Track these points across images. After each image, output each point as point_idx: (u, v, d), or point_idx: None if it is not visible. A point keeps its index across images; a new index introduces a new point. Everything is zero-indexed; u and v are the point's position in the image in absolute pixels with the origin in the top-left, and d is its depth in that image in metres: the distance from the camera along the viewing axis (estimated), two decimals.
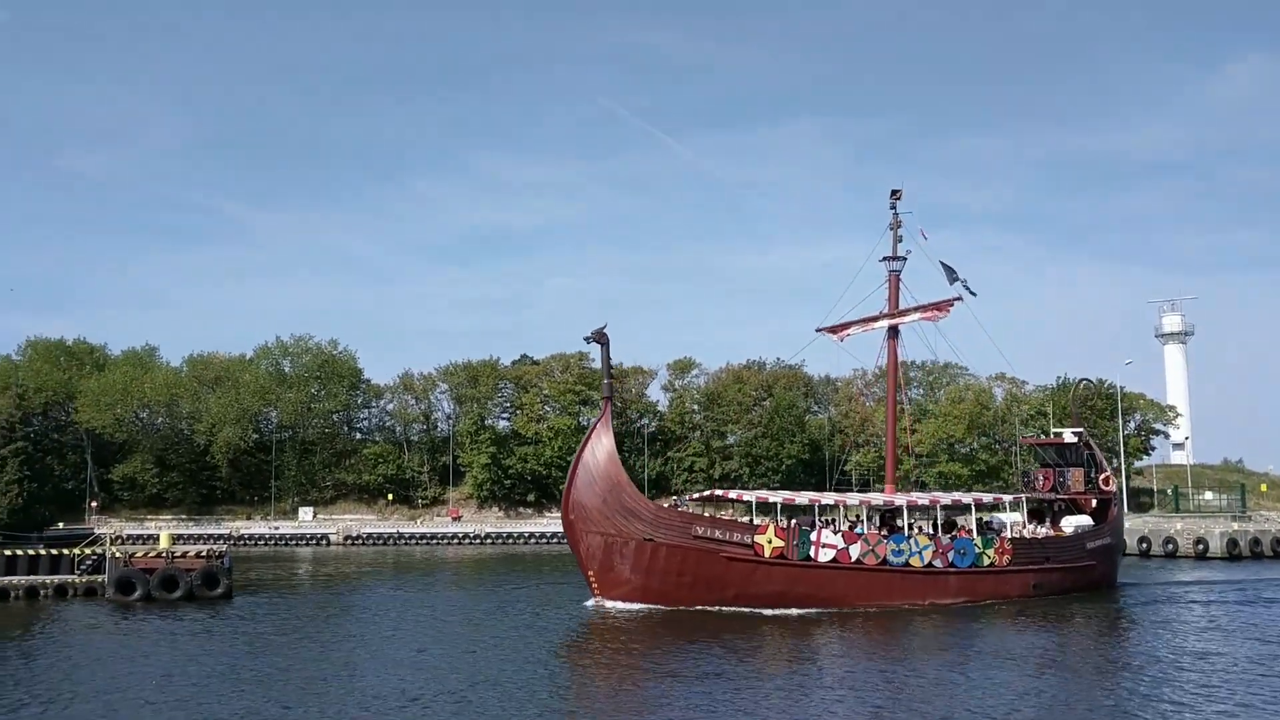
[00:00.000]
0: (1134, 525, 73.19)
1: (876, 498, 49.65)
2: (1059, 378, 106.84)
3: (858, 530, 45.13)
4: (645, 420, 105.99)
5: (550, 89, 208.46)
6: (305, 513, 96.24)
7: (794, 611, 41.18)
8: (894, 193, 51.95)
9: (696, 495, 50.60)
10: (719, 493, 50.04)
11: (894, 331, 51.89)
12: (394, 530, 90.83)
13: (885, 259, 51.83)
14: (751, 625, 38.39)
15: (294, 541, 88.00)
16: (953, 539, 45.66)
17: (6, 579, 46.24)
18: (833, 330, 50.96)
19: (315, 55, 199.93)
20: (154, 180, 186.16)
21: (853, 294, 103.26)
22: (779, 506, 45.19)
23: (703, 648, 32.76)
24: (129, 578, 45.28)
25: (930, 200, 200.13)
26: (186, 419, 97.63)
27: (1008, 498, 50.60)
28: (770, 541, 42.45)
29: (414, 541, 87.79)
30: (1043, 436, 66.62)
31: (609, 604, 42.10)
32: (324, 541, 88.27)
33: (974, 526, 46.97)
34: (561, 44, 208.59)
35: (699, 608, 41.37)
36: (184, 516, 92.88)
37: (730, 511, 53.33)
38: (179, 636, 36.59)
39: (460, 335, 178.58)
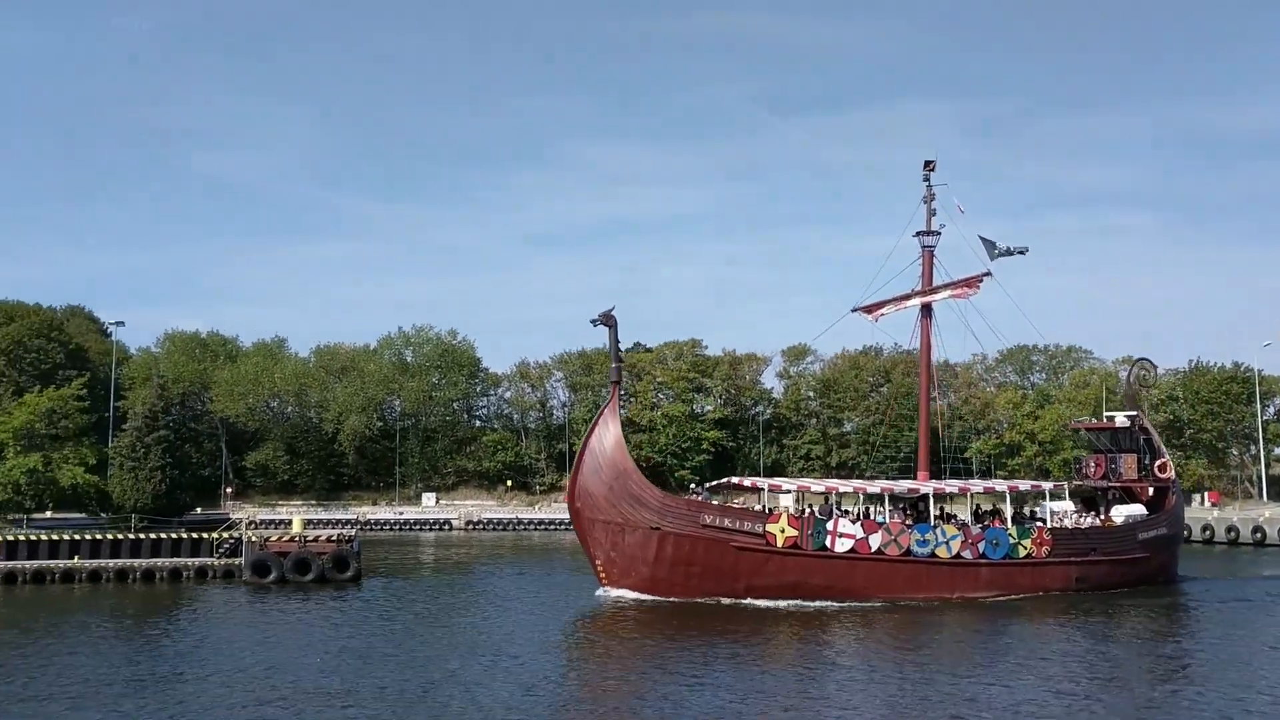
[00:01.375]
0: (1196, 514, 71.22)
1: (900, 485, 47.03)
2: (1192, 361, 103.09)
3: (878, 519, 42.95)
4: (760, 408, 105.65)
5: (655, 78, 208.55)
6: (428, 498, 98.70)
7: (810, 604, 39.42)
8: (927, 164, 49.19)
9: (713, 483, 48.86)
10: (735, 480, 48.24)
11: (927, 310, 49.16)
12: (513, 516, 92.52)
13: (919, 234, 49.20)
14: (760, 619, 36.87)
15: (418, 526, 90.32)
16: (984, 528, 43.18)
17: (152, 561, 48.69)
18: (867, 310, 48.49)
19: (429, 56, 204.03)
20: (281, 179, 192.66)
21: (909, 275, 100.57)
22: (840, 494, 43.74)
23: (703, 644, 31.48)
24: (264, 561, 47.22)
25: (1046, 179, 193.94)
26: (315, 408, 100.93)
27: (1048, 485, 47.78)
28: (783, 531, 40.64)
29: (532, 527, 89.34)
30: (1092, 421, 62.52)
31: (617, 594, 40.91)
32: (446, 527, 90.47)
33: (1009, 515, 44.59)
34: (663, 32, 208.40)
35: (709, 599, 39.95)
36: (313, 502, 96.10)
37: (753, 500, 51.02)
38: (313, 617, 38.13)
39: (574, 324, 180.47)
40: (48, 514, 65.53)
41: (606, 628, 36.22)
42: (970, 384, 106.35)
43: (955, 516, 46.71)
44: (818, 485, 46.11)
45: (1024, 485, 48.86)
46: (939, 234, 48.91)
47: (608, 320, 42.59)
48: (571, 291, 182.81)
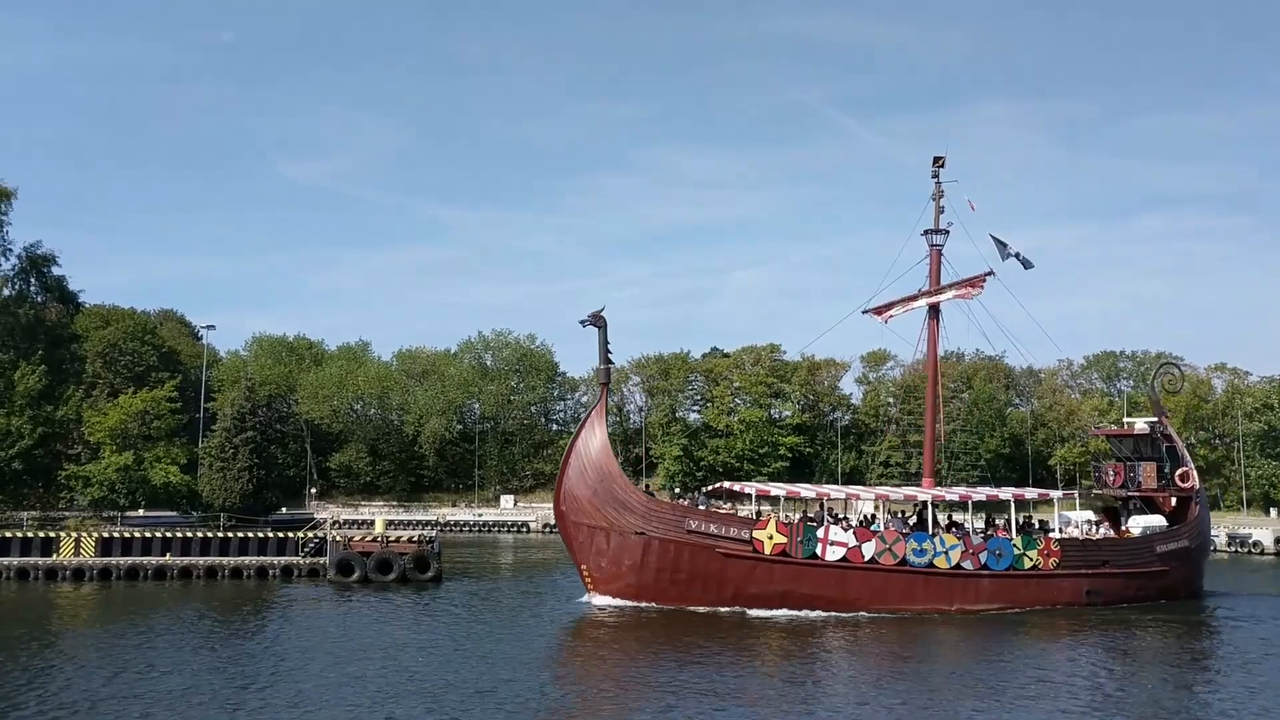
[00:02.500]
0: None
1: (895, 492, 45.49)
2: None
3: (873, 527, 41.38)
4: (839, 414, 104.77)
5: (730, 83, 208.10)
6: (506, 500, 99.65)
7: (800, 614, 38.28)
8: (936, 160, 47.78)
9: (709, 489, 47.60)
10: (728, 485, 46.43)
11: (934, 311, 47.65)
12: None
13: (926, 233, 47.76)
14: (744, 629, 35.75)
15: (496, 528, 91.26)
16: (986, 538, 41.47)
17: (240, 559, 49.87)
18: (877, 312, 47.09)
19: (507, 64, 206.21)
20: (364, 186, 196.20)
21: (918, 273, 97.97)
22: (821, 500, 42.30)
23: (678, 656, 30.45)
24: (348, 560, 48.10)
25: (1132, 183, 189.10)
26: (396, 410, 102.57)
27: (1056, 494, 45.39)
28: (771, 538, 39.32)
29: None
30: (1112, 427, 59.51)
31: (602, 601, 39.99)
32: (524, 529, 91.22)
33: (1014, 524, 42.55)
34: (740, 37, 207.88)
35: (695, 607, 38.83)
36: (394, 503, 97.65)
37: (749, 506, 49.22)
38: (396, 615, 38.82)
39: (650, 329, 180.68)
40: (140, 512, 67.55)
41: (586, 639, 35.19)
42: (1055, 390, 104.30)
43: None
44: (808, 490, 44.59)
45: (1030, 494, 46.59)
46: (947, 233, 47.50)
47: (597, 321, 41.62)
48: (648, 296, 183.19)
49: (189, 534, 51.33)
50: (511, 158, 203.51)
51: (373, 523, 56.84)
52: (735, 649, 32.09)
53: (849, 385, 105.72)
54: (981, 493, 45.37)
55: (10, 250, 64.26)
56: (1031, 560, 41.26)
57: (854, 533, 40.15)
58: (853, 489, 47.42)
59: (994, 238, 47.76)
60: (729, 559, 39.29)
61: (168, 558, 49.47)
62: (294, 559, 50.32)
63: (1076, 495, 46.61)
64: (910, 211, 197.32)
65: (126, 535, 50.94)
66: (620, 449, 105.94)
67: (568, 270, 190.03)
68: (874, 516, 44.63)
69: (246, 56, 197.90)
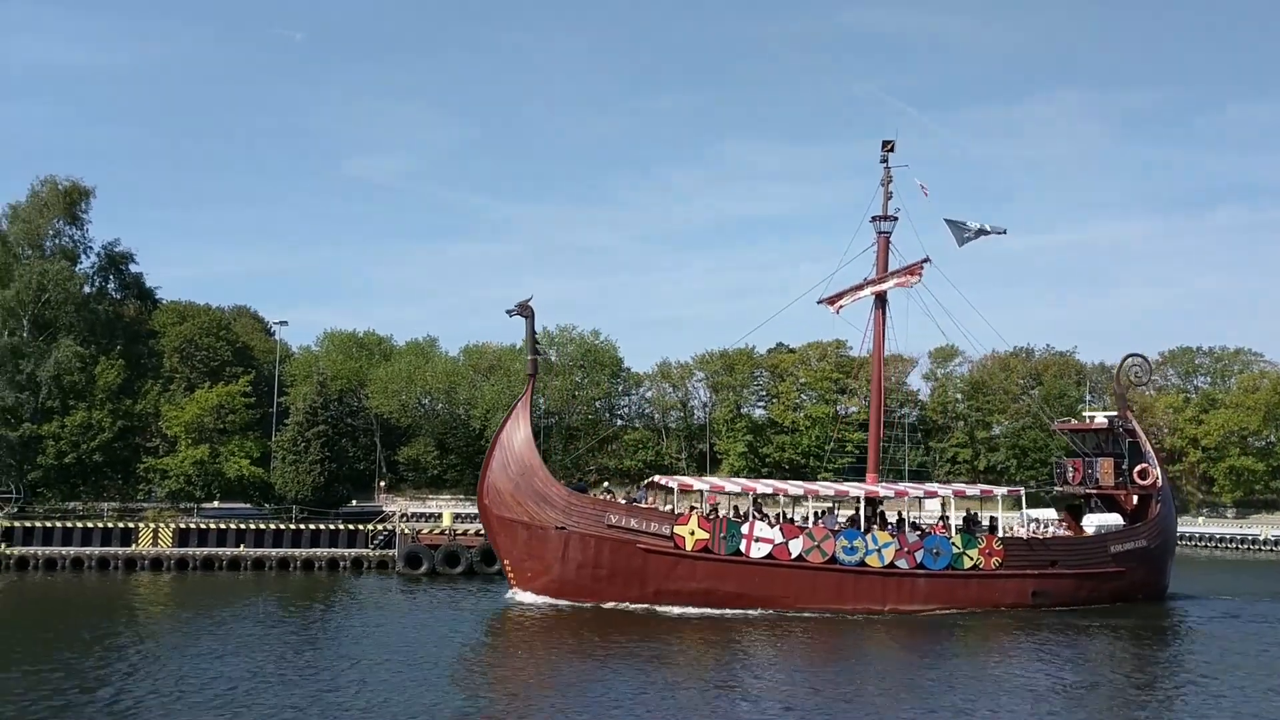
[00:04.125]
0: None
1: (826, 489, 44.24)
2: None
3: (797, 523, 40.54)
4: (906, 410, 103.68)
5: (790, 75, 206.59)
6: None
7: (723, 613, 37.46)
8: (885, 144, 46.51)
9: (646, 482, 46.73)
10: (658, 479, 45.40)
11: (881, 300, 46.53)
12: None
13: (875, 219, 46.66)
14: (662, 628, 34.96)
15: None
16: (922, 536, 40.24)
17: (311, 551, 50.89)
18: (830, 301, 46.07)
19: (570, 59, 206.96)
20: (429, 182, 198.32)
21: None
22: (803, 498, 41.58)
23: (583, 659, 29.92)
24: (416, 553, 48.83)
25: (1207, 173, 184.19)
26: (463, 405, 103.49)
27: (1000, 490, 43.95)
28: (693, 533, 38.51)
29: None
30: (1073, 421, 56.95)
31: (524, 597, 39.41)
32: None
33: (953, 522, 41.23)
34: (797, 29, 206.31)
35: (617, 604, 38.18)
36: (461, 496, 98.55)
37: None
38: (467, 608, 39.34)
39: (716, 324, 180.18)
40: (215, 503, 69.08)
41: (498, 640, 34.77)
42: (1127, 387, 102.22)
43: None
44: (732, 485, 43.62)
45: (970, 490, 45.20)
46: (896, 219, 46.50)
47: (524, 311, 41.14)
48: (712, 290, 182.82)
49: (262, 526, 52.49)
50: (572, 153, 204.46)
51: (440, 516, 57.52)
52: (646, 651, 31.14)
53: (916, 381, 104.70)
54: (919, 488, 44.27)
55: (90, 248, 66.12)
56: (972, 560, 39.87)
57: (780, 529, 39.18)
58: (779, 484, 45.98)
59: (949, 221, 46.87)
60: (650, 555, 38.54)
61: (242, 549, 50.64)
62: (364, 551, 51.23)
63: (1022, 492, 45.08)
64: (970, 203, 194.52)
65: (202, 526, 52.25)
66: (685, 445, 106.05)
67: (631, 265, 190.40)
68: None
69: (315, 55, 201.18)
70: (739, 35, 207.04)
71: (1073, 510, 46.42)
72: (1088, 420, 49.46)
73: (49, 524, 51.96)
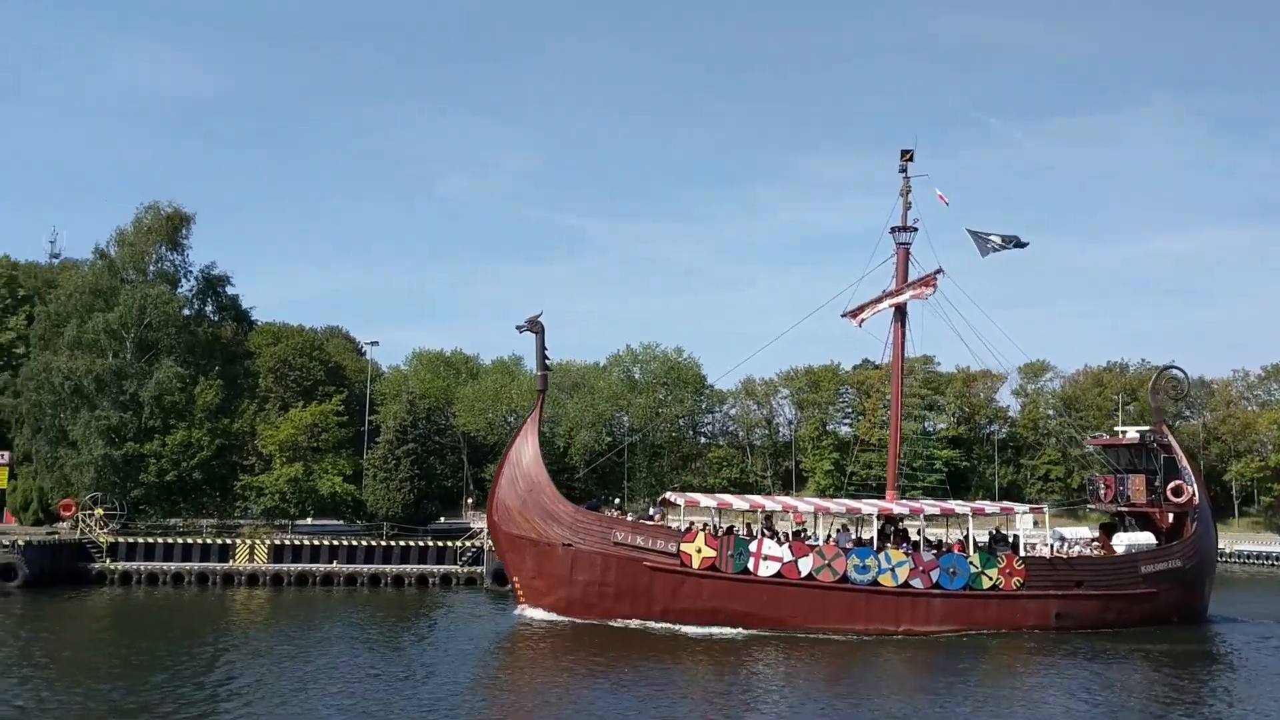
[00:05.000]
0: None
1: (836, 505, 42.75)
2: None
3: (810, 541, 39.35)
4: (995, 426, 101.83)
5: (875, 86, 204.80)
6: (655, 513, 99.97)
7: (731, 631, 36.55)
8: (904, 153, 45.50)
9: (660, 499, 45.84)
10: (670, 496, 44.43)
11: (900, 313, 45.60)
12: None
13: (894, 230, 45.67)
14: (665, 648, 34.12)
15: None
16: (938, 555, 38.84)
17: (401, 567, 51.70)
18: (853, 315, 45.26)
19: (643, 74, 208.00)
20: (514, 201, 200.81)
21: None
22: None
23: (575, 679, 29.31)
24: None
25: None
26: (547, 423, 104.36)
27: (1021, 508, 42.14)
28: (699, 551, 37.67)
29: None
30: (1105, 436, 54.31)
31: (533, 614, 38.88)
32: None
33: (971, 540, 39.59)
34: (881, 38, 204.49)
35: (624, 622, 37.44)
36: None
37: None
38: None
39: (800, 340, 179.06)
40: (309, 520, 70.59)
41: (505, 658, 34.51)
42: (1229, 402, 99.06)
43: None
44: (740, 501, 42.56)
45: (991, 507, 43.53)
46: (915, 230, 45.66)
47: (534, 326, 40.70)
48: (797, 305, 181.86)
49: (354, 542, 53.49)
50: (656, 169, 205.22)
51: None
52: (644, 673, 30.60)
53: (1006, 397, 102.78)
54: (935, 505, 42.94)
55: (190, 272, 68.31)
56: (991, 579, 38.59)
57: (790, 547, 38.30)
58: (788, 500, 44.94)
59: (970, 232, 45.90)
60: (656, 572, 37.89)
61: (334, 565, 51.66)
62: (452, 567, 51.89)
63: (1046, 510, 43.51)
64: (1077, 214, 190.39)
65: (296, 543, 53.46)
66: (770, 463, 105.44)
67: (714, 281, 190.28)
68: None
69: (404, 78, 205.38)
70: (824, 48, 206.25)
71: (1108, 529, 45.06)
72: (1119, 435, 47.92)
73: (151, 540, 53.62)
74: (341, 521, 71.07)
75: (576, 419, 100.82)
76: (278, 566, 51.40)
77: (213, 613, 42.53)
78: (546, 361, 41.91)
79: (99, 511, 56.11)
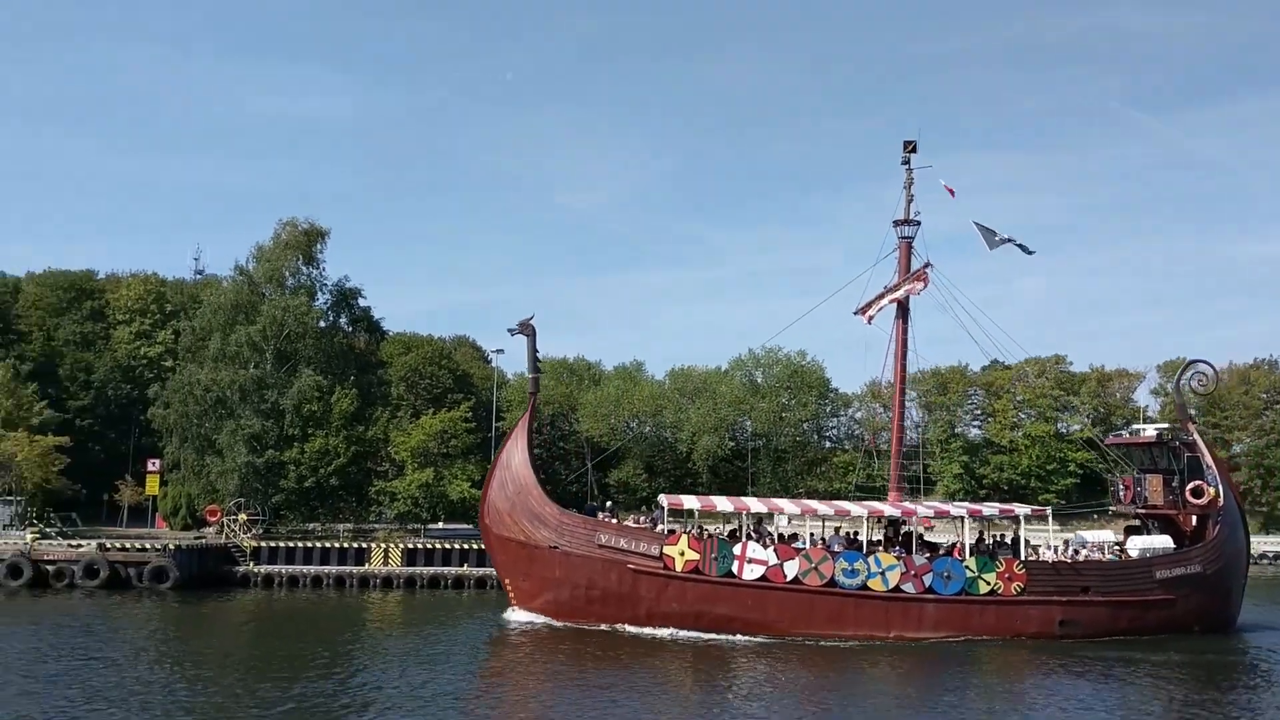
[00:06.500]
0: None
1: (824, 508, 41.33)
2: None
3: (797, 545, 38.17)
4: (1135, 427, 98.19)
5: (1008, 82, 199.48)
6: (781, 520, 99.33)
7: (716, 637, 35.71)
8: (907, 144, 43.70)
9: (657, 500, 44.70)
10: (664, 499, 42.53)
11: (902, 310, 44.04)
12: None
13: (897, 223, 44.14)
14: (644, 653, 33.27)
15: None
16: (931, 559, 37.18)
17: None
18: (862, 311, 43.96)
19: (766, 74, 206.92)
20: (633, 210, 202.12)
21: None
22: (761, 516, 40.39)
23: (569, 683, 28.59)
24: None
25: None
26: (670, 428, 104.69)
27: (1022, 510, 39.77)
28: (682, 554, 36.95)
29: None
30: (1125, 435, 50.77)
31: (523, 617, 38.58)
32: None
33: (967, 542, 38.39)
34: (1014, 34, 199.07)
35: (610, 625, 36.99)
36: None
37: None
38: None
39: (926, 342, 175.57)
40: (440, 524, 72.30)
41: (494, 662, 33.94)
42: None
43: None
44: (725, 503, 41.38)
45: (989, 509, 41.46)
46: (918, 223, 44.16)
47: (525, 329, 41.05)
48: (923, 308, 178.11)
49: (483, 546, 54.54)
50: (779, 174, 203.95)
51: None
52: (627, 678, 29.94)
53: (1144, 397, 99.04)
54: (929, 507, 41.46)
55: (324, 284, 70.83)
56: (989, 584, 37.08)
57: (775, 550, 37.37)
58: (777, 502, 43.94)
59: (978, 225, 44.28)
60: (640, 575, 37.35)
61: (465, 568, 52.80)
62: None
63: (1049, 512, 41.31)
64: (1225, 206, 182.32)
65: (428, 546, 54.79)
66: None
67: (838, 285, 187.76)
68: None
69: (523, 92, 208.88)
70: (957, 45, 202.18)
71: (1133, 532, 42.94)
72: (1136, 434, 45.58)
73: (291, 544, 55.67)
74: (471, 525, 72.58)
75: (699, 424, 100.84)
76: (411, 569, 52.80)
77: (352, 614, 43.95)
78: (538, 365, 42.80)
79: (243, 517, 58.54)
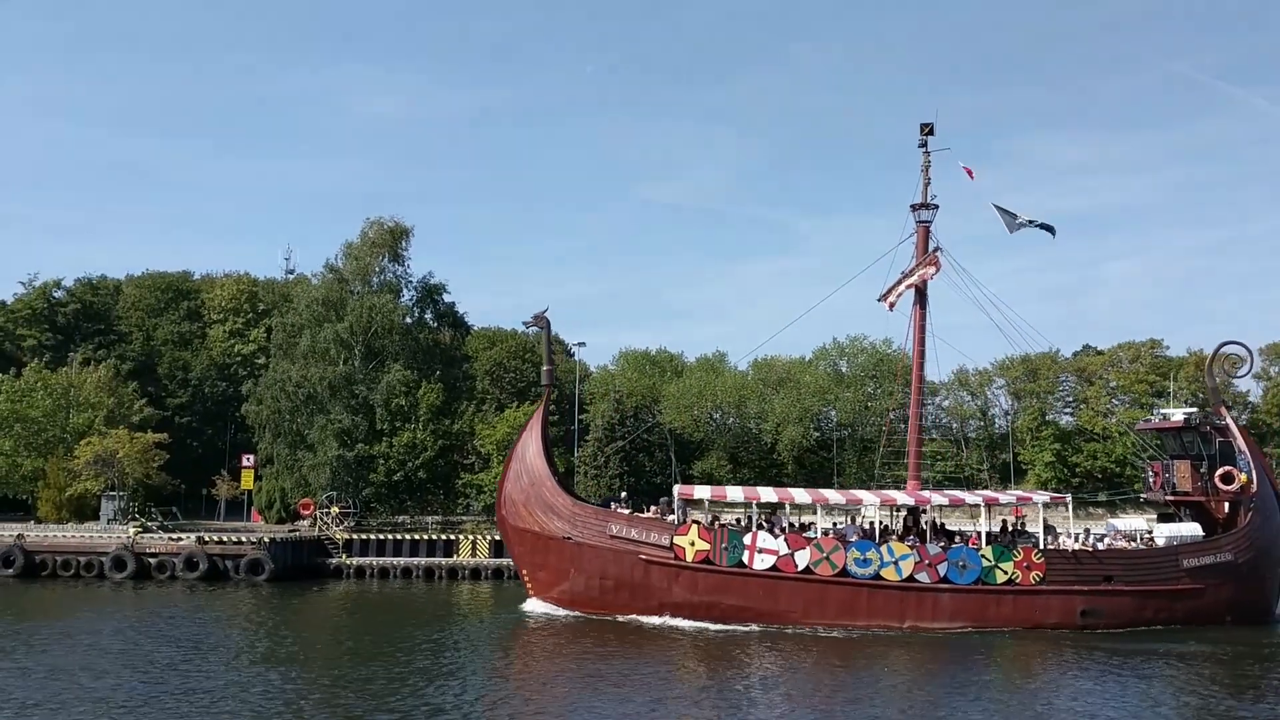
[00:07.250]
0: None
1: (835, 497, 40.50)
2: None
3: (808, 534, 37.83)
4: (1236, 413, 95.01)
5: (1097, 60, 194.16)
6: (868, 510, 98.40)
7: (727, 627, 35.53)
8: (924, 127, 42.81)
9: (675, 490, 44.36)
10: (678, 488, 41.79)
11: (920, 295, 43.43)
12: (955, 528, 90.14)
13: (914, 207, 43.53)
14: (652, 643, 32.93)
15: None
16: (945, 548, 36.50)
17: None
18: (884, 298, 43.90)
19: (853, 58, 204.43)
20: (716, 200, 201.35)
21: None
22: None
23: (565, 676, 28.29)
24: None
25: None
26: (754, 418, 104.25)
27: (1040, 497, 38.80)
28: (693, 544, 36.94)
29: None
30: (1154, 420, 48.28)
31: (541, 608, 38.73)
32: None
33: (984, 531, 37.82)
34: (1099, 11, 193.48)
35: (624, 616, 37.05)
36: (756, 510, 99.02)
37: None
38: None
39: (1024, 326, 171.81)
40: None
41: (511, 650, 33.77)
42: None
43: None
44: (736, 492, 41.06)
45: (1005, 497, 40.62)
46: (936, 207, 43.66)
47: (540, 322, 41.25)
48: (1019, 292, 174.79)
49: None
50: (865, 159, 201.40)
51: None
52: (631, 668, 29.44)
53: (1246, 381, 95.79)
54: (943, 496, 40.79)
55: (410, 281, 71.99)
56: (1006, 573, 36.41)
57: (786, 540, 37.11)
58: (787, 491, 42.81)
59: (998, 208, 43.69)
60: (651, 565, 37.50)
61: None
62: None
63: (1069, 499, 40.17)
64: None
65: None
66: (986, 456, 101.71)
67: None
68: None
69: (608, 83, 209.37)
70: (1041, 24, 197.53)
71: (1164, 520, 41.70)
72: (1163, 418, 44.20)
73: (381, 536, 56.74)
74: None
75: (783, 414, 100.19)
76: (498, 561, 53.43)
77: (444, 605, 44.65)
78: (553, 357, 43.02)
79: (335, 510, 59.83)
